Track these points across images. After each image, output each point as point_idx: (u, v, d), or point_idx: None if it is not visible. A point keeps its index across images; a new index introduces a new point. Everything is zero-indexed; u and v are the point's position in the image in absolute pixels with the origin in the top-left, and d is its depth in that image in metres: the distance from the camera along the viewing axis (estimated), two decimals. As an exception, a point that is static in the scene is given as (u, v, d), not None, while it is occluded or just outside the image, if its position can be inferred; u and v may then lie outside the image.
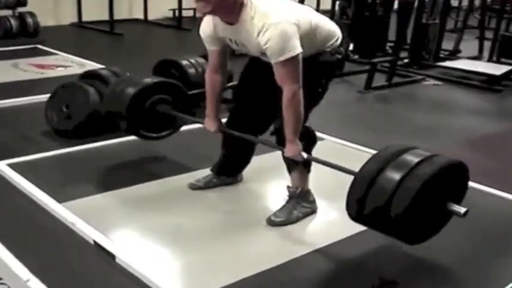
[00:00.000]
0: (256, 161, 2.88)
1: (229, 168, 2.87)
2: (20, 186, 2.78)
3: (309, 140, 2.49)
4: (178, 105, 2.93)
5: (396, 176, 1.90)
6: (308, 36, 2.27)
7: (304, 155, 2.36)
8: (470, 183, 2.13)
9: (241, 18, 2.21)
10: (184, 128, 3.64)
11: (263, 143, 2.60)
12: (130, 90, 2.82)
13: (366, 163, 2.01)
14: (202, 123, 2.68)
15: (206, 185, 2.84)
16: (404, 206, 1.85)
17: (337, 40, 2.44)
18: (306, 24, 2.27)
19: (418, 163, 1.92)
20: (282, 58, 2.16)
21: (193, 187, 2.83)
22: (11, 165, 2.98)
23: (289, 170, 2.56)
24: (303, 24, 2.25)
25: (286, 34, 2.15)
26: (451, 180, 1.99)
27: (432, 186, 1.89)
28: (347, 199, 2.00)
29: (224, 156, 2.84)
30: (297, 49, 2.18)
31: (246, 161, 2.86)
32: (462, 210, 1.98)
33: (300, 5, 2.51)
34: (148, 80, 2.93)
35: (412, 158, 1.95)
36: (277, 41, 2.14)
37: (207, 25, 2.39)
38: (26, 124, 3.78)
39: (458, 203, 2.04)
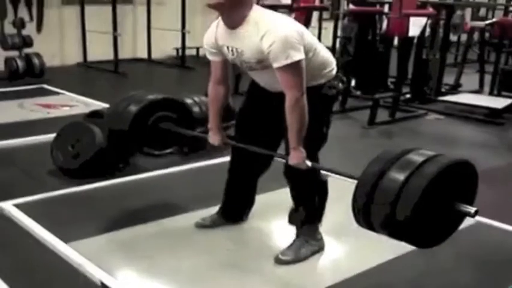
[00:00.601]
0: (261, 199, 2.88)
1: (233, 214, 2.87)
2: (25, 226, 2.77)
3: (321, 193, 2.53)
4: (182, 122, 2.91)
5: (401, 176, 1.83)
6: (307, 54, 2.26)
7: (309, 163, 2.30)
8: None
9: (246, 21, 2.24)
10: (189, 166, 3.67)
11: (268, 153, 2.53)
12: (133, 108, 2.81)
13: (368, 166, 1.95)
14: (205, 137, 2.67)
15: (213, 224, 2.83)
16: (411, 205, 1.78)
17: (332, 70, 2.45)
18: (308, 40, 2.30)
19: (423, 162, 1.85)
20: (284, 62, 2.17)
21: (200, 226, 2.83)
22: (17, 205, 2.98)
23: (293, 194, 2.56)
24: (306, 38, 2.27)
25: (290, 39, 2.17)
26: (459, 179, 1.91)
27: (439, 185, 1.82)
28: (352, 205, 1.93)
29: (225, 202, 2.84)
30: (300, 55, 2.20)
31: (249, 204, 2.87)
32: (472, 210, 1.89)
33: None
34: (152, 97, 2.91)
35: (416, 158, 1.89)
36: (280, 44, 2.16)
37: (210, 35, 2.42)
38: (31, 163, 3.80)
39: (470, 204, 1.94)
